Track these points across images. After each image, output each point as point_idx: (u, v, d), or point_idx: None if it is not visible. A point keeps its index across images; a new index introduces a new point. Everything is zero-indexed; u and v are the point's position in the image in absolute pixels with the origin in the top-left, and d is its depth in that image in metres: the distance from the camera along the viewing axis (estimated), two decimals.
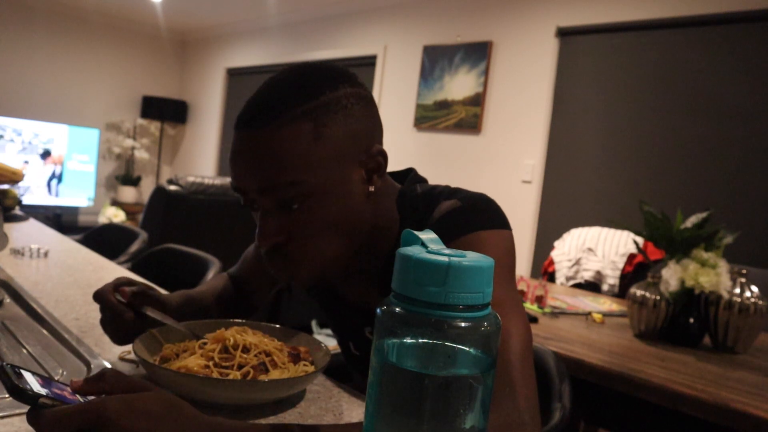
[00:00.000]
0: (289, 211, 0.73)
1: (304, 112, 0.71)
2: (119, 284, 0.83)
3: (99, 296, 0.82)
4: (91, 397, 0.51)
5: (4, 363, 0.49)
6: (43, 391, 0.48)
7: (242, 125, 0.73)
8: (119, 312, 0.81)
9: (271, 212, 0.74)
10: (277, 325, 0.92)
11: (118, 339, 0.84)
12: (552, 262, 2.96)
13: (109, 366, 0.84)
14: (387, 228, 0.83)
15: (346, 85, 0.75)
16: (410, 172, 0.91)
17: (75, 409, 0.47)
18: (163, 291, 0.96)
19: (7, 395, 0.70)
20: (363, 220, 0.78)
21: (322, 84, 0.74)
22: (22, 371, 0.50)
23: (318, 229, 0.74)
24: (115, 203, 6.42)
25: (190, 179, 3.18)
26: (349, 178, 0.75)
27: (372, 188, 0.77)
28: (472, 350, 0.40)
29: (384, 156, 0.78)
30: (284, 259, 0.76)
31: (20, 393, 0.46)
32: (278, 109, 0.71)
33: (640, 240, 2.38)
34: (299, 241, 0.75)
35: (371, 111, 0.78)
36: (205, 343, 0.80)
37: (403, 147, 4.36)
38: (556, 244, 3.04)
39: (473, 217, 0.77)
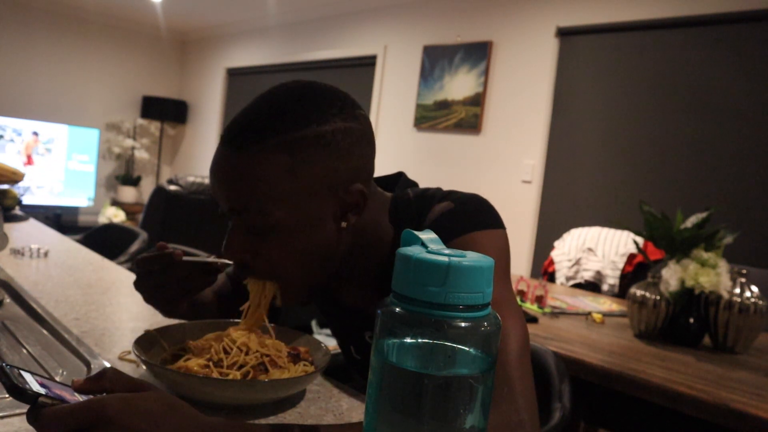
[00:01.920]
0: (256, 235, 0.74)
1: (283, 143, 0.70)
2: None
3: (139, 259, 0.81)
4: (91, 397, 0.51)
5: (4, 363, 0.49)
6: (42, 391, 0.48)
7: (224, 141, 0.73)
8: (169, 259, 0.78)
9: (238, 231, 0.74)
10: (277, 325, 0.92)
11: (159, 297, 0.82)
12: (552, 262, 2.96)
13: (108, 366, 0.84)
14: (378, 241, 0.82)
15: (338, 118, 0.73)
16: (400, 177, 0.90)
17: (74, 408, 0.47)
18: None
19: (6, 395, 0.70)
20: (333, 251, 0.77)
21: (311, 115, 0.72)
22: (22, 372, 0.50)
23: (282, 257, 0.74)
24: (115, 203, 6.42)
25: (190, 179, 3.18)
26: (321, 213, 0.74)
27: (344, 224, 0.76)
28: (472, 350, 0.40)
29: (363, 196, 0.76)
30: (251, 275, 0.78)
31: (20, 392, 0.46)
32: (259, 135, 0.71)
33: (640, 240, 2.38)
34: (263, 264, 0.75)
35: (361, 148, 0.75)
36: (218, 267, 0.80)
37: (403, 147, 4.36)
38: (556, 244, 3.04)
39: (467, 218, 0.77)
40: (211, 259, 0.83)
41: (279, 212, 0.71)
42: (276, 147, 0.70)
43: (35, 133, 5.70)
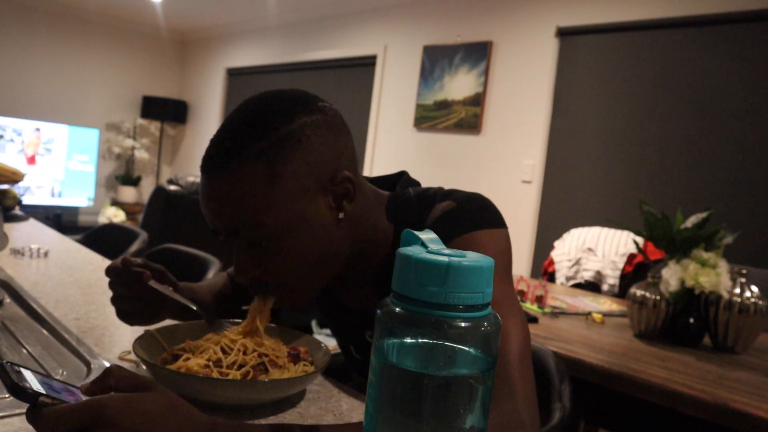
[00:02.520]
0: (260, 248, 0.74)
1: (256, 153, 0.71)
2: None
3: (113, 268, 0.82)
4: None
5: (5, 361, 0.49)
6: (43, 390, 0.48)
7: (204, 169, 0.74)
8: (136, 279, 0.81)
9: (243, 250, 0.75)
10: (277, 325, 0.92)
11: (128, 314, 0.85)
12: (552, 262, 2.96)
13: (108, 366, 0.84)
14: (377, 239, 0.82)
15: (302, 114, 0.73)
16: (402, 175, 0.91)
17: (74, 408, 0.47)
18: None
19: (7, 395, 0.70)
20: (337, 245, 0.78)
21: (275, 119, 0.72)
22: (22, 369, 0.50)
23: (290, 262, 0.75)
24: (115, 203, 6.42)
25: (190, 179, 3.18)
26: (313, 209, 0.74)
27: (342, 215, 0.76)
28: (472, 350, 0.40)
29: (352, 182, 0.76)
30: (266, 289, 0.78)
31: (20, 391, 0.46)
32: (231, 153, 0.71)
33: (640, 240, 2.38)
34: (274, 274, 0.76)
35: (335, 137, 0.76)
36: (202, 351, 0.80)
37: (403, 147, 4.36)
38: (556, 244, 3.04)
39: (469, 217, 0.77)
40: (177, 297, 0.84)
41: (272, 220, 0.72)
42: (250, 159, 0.71)
43: (38, 130, 5.69)
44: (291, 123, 0.72)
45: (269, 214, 0.71)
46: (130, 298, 0.83)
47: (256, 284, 0.78)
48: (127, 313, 0.85)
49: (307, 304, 0.81)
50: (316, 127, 0.74)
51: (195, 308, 0.87)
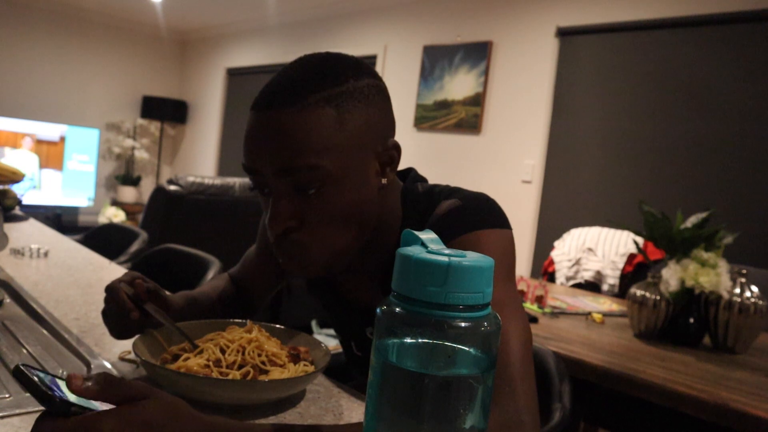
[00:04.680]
0: (304, 196, 0.73)
1: (328, 97, 0.71)
2: (135, 277, 0.84)
3: (111, 290, 0.82)
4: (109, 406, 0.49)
5: (21, 364, 0.47)
6: (71, 398, 0.46)
7: (263, 105, 0.72)
8: (126, 309, 0.81)
9: (284, 196, 0.73)
10: (277, 325, 0.92)
11: (118, 333, 0.85)
12: (552, 262, 2.96)
13: (109, 366, 0.84)
14: (391, 224, 0.83)
15: (369, 76, 0.76)
16: (410, 171, 0.91)
17: (67, 426, 0.45)
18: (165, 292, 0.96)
19: (7, 395, 0.70)
20: (373, 212, 0.78)
21: (346, 72, 0.74)
22: (35, 374, 0.48)
23: (331, 217, 0.74)
24: (115, 203, 6.42)
25: (190, 179, 3.18)
26: (366, 168, 0.75)
27: (384, 181, 0.78)
28: (472, 350, 0.40)
29: (398, 150, 0.78)
30: (294, 246, 0.75)
31: (49, 401, 0.45)
32: (302, 92, 0.71)
33: (640, 240, 2.38)
34: (311, 228, 0.74)
35: (388, 105, 0.79)
36: (201, 351, 0.80)
37: (403, 147, 4.34)
38: (556, 244, 3.04)
39: (473, 216, 0.77)
40: (169, 324, 0.83)
41: (329, 165, 0.71)
42: (321, 101, 0.71)
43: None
44: (359, 80, 0.74)
45: (329, 159, 0.71)
46: (119, 318, 0.83)
47: (285, 238, 0.75)
48: (113, 330, 0.85)
49: (321, 272, 0.78)
50: (379, 90, 0.76)
51: (183, 333, 0.85)
